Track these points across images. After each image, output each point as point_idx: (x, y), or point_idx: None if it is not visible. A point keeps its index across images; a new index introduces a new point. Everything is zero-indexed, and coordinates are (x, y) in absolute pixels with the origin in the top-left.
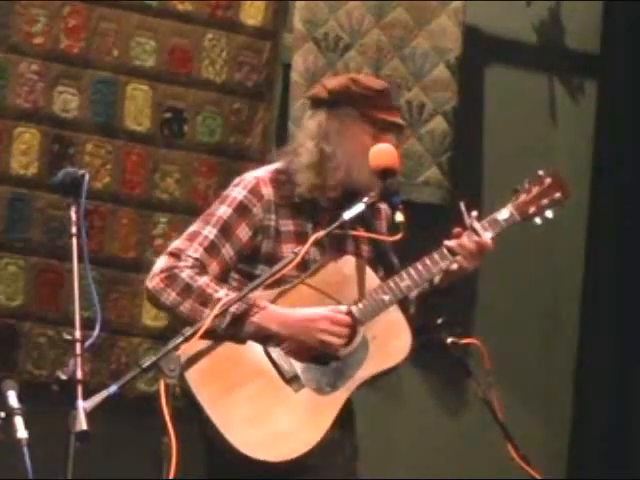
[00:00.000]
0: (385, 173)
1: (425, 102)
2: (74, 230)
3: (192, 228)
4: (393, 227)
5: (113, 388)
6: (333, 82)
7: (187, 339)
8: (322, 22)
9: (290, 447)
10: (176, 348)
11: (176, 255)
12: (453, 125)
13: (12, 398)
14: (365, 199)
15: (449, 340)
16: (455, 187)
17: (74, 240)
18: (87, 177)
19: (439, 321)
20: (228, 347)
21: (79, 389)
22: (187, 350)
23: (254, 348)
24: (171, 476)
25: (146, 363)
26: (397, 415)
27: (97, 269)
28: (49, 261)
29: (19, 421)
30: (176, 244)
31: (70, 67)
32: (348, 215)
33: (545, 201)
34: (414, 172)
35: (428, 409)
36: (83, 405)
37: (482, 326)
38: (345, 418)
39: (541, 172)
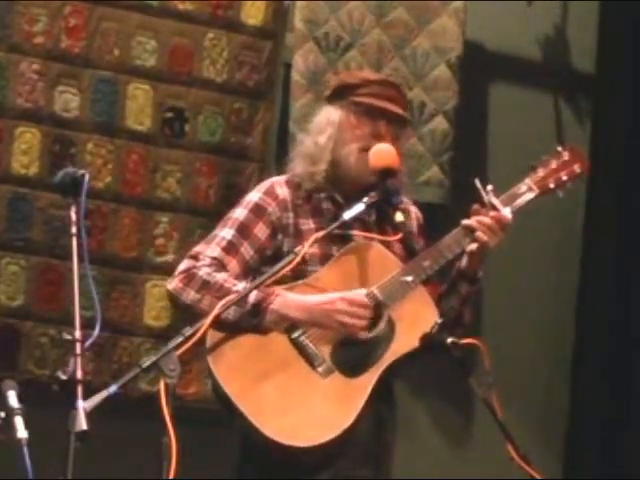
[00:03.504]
0: (385, 173)
1: (426, 102)
2: (74, 230)
3: (211, 233)
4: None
5: (113, 388)
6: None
7: (187, 339)
8: (323, 22)
9: (322, 431)
10: (176, 348)
11: (195, 257)
12: (454, 125)
13: (12, 398)
14: (365, 199)
15: (449, 340)
16: (456, 187)
17: (74, 240)
18: (87, 177)
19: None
20: (253, 338)
21: (79, 389)
22: (213, 345)
23: (279, 337)
24: (171, 476)
25: (146, 363)
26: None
27: (98, 269)
28: (50, 261)
29: (19, 421)
30: (195, 248)
31: (71, 67)
32: (348, 215)
33: (564, 174)
34: (415, 172)
35: (427, 409)
36: (83, 405)
37: (482, 326)
38: (381, 396)
39: (559, 148)
